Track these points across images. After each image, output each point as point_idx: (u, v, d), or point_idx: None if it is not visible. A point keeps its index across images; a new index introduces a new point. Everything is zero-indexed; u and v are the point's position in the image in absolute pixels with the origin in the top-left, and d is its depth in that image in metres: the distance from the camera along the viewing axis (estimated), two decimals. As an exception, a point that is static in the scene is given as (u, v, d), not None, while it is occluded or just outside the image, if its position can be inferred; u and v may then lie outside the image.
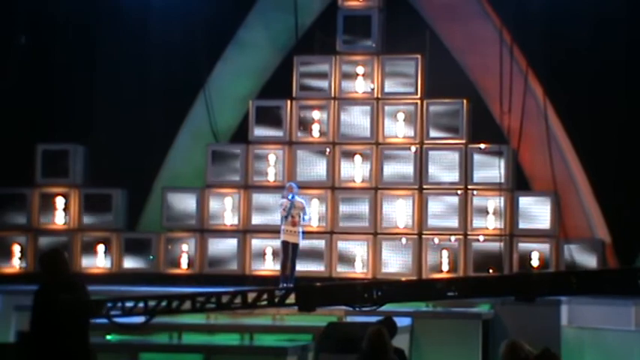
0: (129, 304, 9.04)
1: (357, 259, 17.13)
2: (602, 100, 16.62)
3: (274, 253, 16.93)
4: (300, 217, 15.43)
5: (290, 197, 15.41)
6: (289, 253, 15.49)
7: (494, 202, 16.81)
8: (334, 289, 9.74)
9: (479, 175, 17.02)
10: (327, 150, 17.64)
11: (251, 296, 9.15)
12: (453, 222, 16.99)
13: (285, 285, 14.80)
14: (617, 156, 16.51)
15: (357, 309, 9.00)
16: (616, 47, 16.74)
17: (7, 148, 17.81)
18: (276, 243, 16.12)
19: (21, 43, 18.14)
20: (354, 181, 17.54)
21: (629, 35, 16.76)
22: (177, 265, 17.54)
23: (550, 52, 16.80)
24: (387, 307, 14.39)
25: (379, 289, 9.39)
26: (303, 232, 15.69)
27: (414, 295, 9.76)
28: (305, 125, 17.75)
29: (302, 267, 16.91)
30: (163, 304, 9.18)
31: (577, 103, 16.79)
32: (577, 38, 16.83)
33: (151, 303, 9.14)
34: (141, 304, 9.03)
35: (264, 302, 9.05)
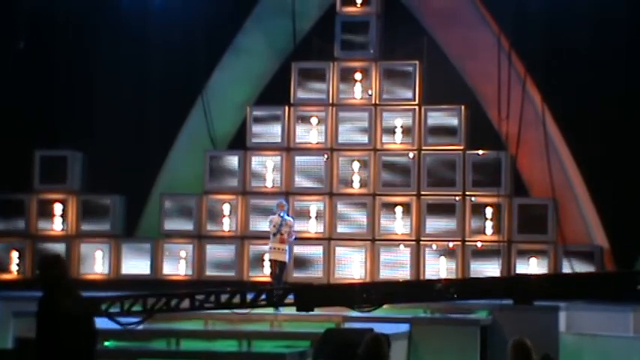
0: (128, 302, 9.05)
1: (354, 266, 17.11)
2: (600, 107, 16.62)
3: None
4: (288, 235, 15.42)
5: (281, 214, 15.41)
6: (276, 270, 15.44)
7: (493, 209, 16.82)
8: (332, 289, 9.77)
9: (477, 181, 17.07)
10: (325, 156, 17.65)
11: (250, 296, 9.14)
12: (452, 228, 16.98)
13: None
14: (615, 162, 16.51)
15: (356, 309, 8.98)
16: (614, 55, 16.74)
17: (5, 153, 17.80)
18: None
19: (20, 49, 18.14)
20: (352, 187, 17.54)
21: (628, 43, 16.76)
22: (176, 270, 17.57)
23: (548, 58, 16.81)
24: (385, 313, 14.50)
25: (378, 290, 9.40)
26: (290, 249, 15.68)
27: (413, 296, 9.75)
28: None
29: (300, 273, 16.94)
30: (162, 302, 9.18)
31: (575, 110, 16.79)
32: (575, 44, 16.84)
33: (150, 301, 9.15)
34: (140, 303, 9.06)
35: (263, 302, 9.05)
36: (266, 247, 16.80)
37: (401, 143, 17.54)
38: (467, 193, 17.11)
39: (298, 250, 17.02)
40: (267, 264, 16.52)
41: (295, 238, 15.93)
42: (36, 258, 17.41)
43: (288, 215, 15.74)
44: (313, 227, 17.40)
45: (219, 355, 12.09)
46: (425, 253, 16.95)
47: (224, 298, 9.22)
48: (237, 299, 9.13)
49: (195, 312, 13.92)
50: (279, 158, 17.73)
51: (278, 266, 15.37)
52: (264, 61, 18.67)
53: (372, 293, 9.16)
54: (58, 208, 18.03)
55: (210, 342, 12.99)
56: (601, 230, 16.83)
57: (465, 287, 9.15)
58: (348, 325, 13.56)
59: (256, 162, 17.80)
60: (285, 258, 15.45)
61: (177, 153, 18.61)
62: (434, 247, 16.96)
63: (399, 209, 17.20)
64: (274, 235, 15.38)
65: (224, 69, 18.62)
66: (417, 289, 9.69)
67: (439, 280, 10.23)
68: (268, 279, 16.05)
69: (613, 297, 12.90)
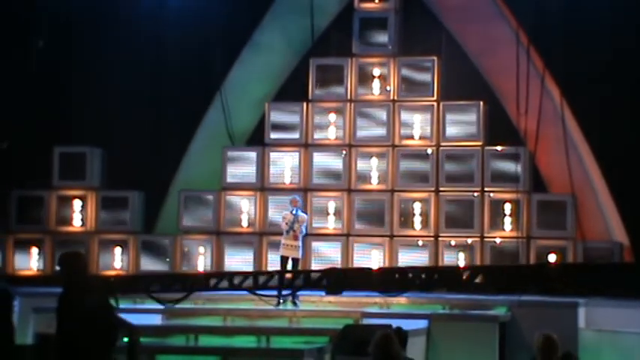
0: (169, 281, 9.24)
1: (373, 262, 17.09)
2: (620, 102, 16.55)
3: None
4: (301, 231, 15.20)
5: (294, 212, 15.21)
6: (286, 267, 15.06)
7: (511, 205, 16.78)
8: (359, 273, 9.94)
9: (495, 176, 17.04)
10: (344, 152, 17.64)
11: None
12: (470, 224, 16.95)
13: (282, 299, 14.75)
14: (634, 158, 16.43)
15: (381, 293, 9.10)
16: (634, 49, 16.64)
17: (24, 150, 17.88)
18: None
19: (38, 47, 18.21)
20: (370, 183, 17.53)
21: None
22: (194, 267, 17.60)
23: (567, 53, 16.73)
24: (404, 309, 14.49)
25: (408, 274, 9.56)
26: (303, 246, 15.41)
27: (440, 283, 9.88)
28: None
29: (319, 268, 16.93)
30: (202, 281, 9.40)
31: (594, 105, 16.71)
32: (594, 39, 16.75)
33: (191, 280, 9.35)
34: (180, 281, 9.25)
35: (300, 283, 9.24)
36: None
37: (419, 139, 17.53)
38: (485, 189, 17.08)
39: (316, 246, 17.02)
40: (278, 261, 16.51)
41: (306, 234, 15.71)
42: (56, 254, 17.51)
43: (302, 211, 15.54)
44: (332, 224, 17.40)
45: (238, 351, 12.10)
46: (443, 249, 16.92)
47: (262, 279, 9.40)
48: (275, 281, 9.32)
49: (214, 308, 14.05)
50: (297, 154, 17.74)
51: (292, 263, 15.19)
52: (283, 58, 18.69)
53: (401, 278, 9.31)
54: (77, 204, 18.09)
55: (228, 338, 13.01)
56: (620, 226, 16.76)
57: (493, 274, 9.27)
58: (366, 321, 13.56)
59: (274, 158, 17.81)
60: (299, 254, 15.19)
61: (196, 149, 18.63)
62: (452, 243, 16.93)
63: (417, 205, 17.18)
64: (287, 232, 15.20)
65: (242, 65, 18.63)
66: (445, 275, 9.81)
67: (466, 267, 10.35)
68: (288, 275, 16.02)
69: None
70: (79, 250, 8.67)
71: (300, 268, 15.43)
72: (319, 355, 11.98)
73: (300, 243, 15.19)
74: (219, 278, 9.43)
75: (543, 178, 17.47)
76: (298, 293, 14.89)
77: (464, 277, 9.24)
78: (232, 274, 9.52)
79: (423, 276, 9.86)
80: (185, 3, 18.41)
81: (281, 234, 15.45)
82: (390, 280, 9.57)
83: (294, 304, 14.66)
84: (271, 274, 9.45)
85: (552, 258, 16.52)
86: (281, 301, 14.74)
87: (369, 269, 11.68)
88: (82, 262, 8.28)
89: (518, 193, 16.81)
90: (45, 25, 18.31)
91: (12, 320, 8.89)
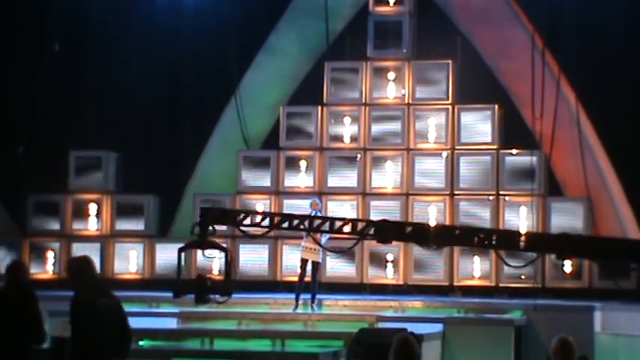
0: (257, 218, 10.19)
1: (388, 264, 17.08)
2: (635, 105, 16.51)
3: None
4: (321, 234, 14.94)
5: (313, 214, 15.09)
6: (306, 270, 14.94)
7: (526, 208, 16.74)
8: (407, 226, 10.63)
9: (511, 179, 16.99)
10: (358, 156, 17.63)
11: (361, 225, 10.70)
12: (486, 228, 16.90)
13: (299, 301, 14.72)
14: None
15: (424, 247, 9.76)
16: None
17: (40, 154, 17.95)
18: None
19: (55, 50, 18.28)
20: (385, 187, 17.52)
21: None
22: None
23: (583, 57, 16.68)
24: (419, 313, 14.49)
25: (449, 231, 10.04)
26: (323, 250, 14.93)
27: (488, 245, 10.23)
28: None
29: (334, 271, 16.94)
30: (286, 220, 10.32)
31: (610, 108, 16.68)
32: (609, 43, 16.73)
33: (277, 218, 10.35)
34: (267, 219, 10.23)
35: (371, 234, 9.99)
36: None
37: (434, 143, 17.50)
38: (500, 192, 17.03)
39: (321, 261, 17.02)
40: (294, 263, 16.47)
41: (329, 238, 15.62)
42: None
43: (321, 214, 15.42)
44: (347, 227, 17.31)
45: (253, 355, 12.13)
46: (458, 252, 16.87)
47: (338, 224, 10.52)
48: (348, 227, 10.59)
49: (229, 312, 14.10)
50: (312, 158, 17.73)
51: (312, 266, 15.06)
52: (297, 61, 18.70)
53: (443, 235, 9.88)
54: (92, 208, 18.15)
55: (243, 341, 13.05)
56: (636, 229, 16.70)
57: (539, 241, 9.69)
58: (381, 325, 13.56)
59: (289, 162, 17.81)
60: (319, 258, 15.04)
61: (211, 153, 18.67)
62: (467, 246, 16.89)
63: (432, 209, 17.14)
64: (307, 234, 15.06)
65: (257, 69, 18.66)
66: (500, 238, 10.10)
67: (521, 233, 10.65)
68: (308, 279, 16.04)
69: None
70: (87, 255, 8.68)
71: (319, 271, 15.36)
72: (334, 358, 11.99)
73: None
74: (300, 219, 10.50)
75: (559, 182, 17.42)
76: (318, 297, 14.92)
77: (521, 242, 9.77)
78: (312, 218, 10.99)
79: (481, 235, 10.25)
80: (201, 7, 18.45)
81: (301, 237, 15.39)
82: (447, 237, 10.17)
83: (312, 308, 14.64)
84: (345, 222, 10.56)
85: (567, 261, 16.46)
86: (299, 303, 14.74)
87: (410, 224, 11.95)
88: (90, 266, 8.31)
89: (534, 196, 16.76)
90: (60, 29, 18.37)
91: (39, 320, 8.70)
